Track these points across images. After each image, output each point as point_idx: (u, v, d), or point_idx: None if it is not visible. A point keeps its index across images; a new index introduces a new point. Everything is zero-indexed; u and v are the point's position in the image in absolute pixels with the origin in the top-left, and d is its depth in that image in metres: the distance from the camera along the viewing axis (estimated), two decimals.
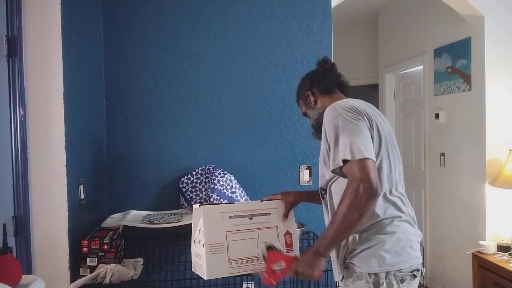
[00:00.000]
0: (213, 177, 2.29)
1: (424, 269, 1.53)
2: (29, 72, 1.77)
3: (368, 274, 1.36)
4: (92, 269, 1.90)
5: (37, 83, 1.79)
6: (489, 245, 2.82)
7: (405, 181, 4.25)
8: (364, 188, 1.25)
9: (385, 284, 1.35)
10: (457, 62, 3.29)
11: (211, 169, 2.36)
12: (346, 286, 1.43)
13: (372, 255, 1.37)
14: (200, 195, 2.33)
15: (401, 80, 4.44)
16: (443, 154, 3.56)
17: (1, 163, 1.69)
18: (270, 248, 1.64)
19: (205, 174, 2.38)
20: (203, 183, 2.36)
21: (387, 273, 1.36)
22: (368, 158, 1.29)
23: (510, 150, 2.85)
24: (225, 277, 1.76)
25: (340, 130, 1.35)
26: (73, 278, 1.86)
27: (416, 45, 3.93)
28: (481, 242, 2.88)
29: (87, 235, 1.99)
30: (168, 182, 2.47)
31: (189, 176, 2.41)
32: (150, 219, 2.24)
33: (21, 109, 1.74)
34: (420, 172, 4.00)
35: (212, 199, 2.22)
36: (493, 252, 2.80)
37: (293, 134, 2.55)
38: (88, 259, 1.92)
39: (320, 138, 1.57)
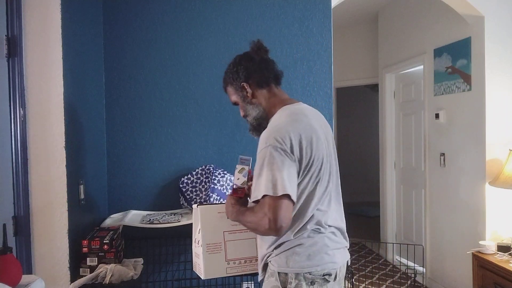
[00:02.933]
0: (213, 177, 2.29)
1: (424, 269, 1.53)
2: (29, 72, 1.77)
3: (278, 272, 1.42)
4: (92, 269, 1.90)
5: (37, 83, 1.79)
6: (489, 245, 2.82)
7: (406, 181, 4.23)
8: (268, 224, 1.32)
9: (293, 284, 1.40)
10: (457, 62, 3.30)
11: (211, 169, 2.36)
12: (264, 282, 1.51)
13: (284, 256, 1.43)
14: (200, 195, 2.33)
15: (401, 80, 4.44)
16: (443, 154, 3.56)
17: (1, 163, 1.69)
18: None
19: (205, 174, 2.39)
20: (203, 183, 2.36)
21: (297, 274, 1.40)
22: (285, 195, 1.32)
23: (510, 150, 2.85)
24: (225, 277, 1.76)
25: (266, 162, 1.36)
26: (73, 278, 1.86)
27: (416, 45, 3.93)
28: (481, 242, 2.88)
29: (87, 235, 1.99)
30: (168, 182, 2.48)
31: (189, 176, 2.41)
32: (150, 219, 2.24)
33: (21, 109, 1.74)
34: (420, 172, 4.00)
35: (212, 199, 2.22)
36: (493, 252, 2.80)
37: None
38: (88, 259, 1.92)
39: (258, 136, 1.54)
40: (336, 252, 1.47)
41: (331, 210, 1.49)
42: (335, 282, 1.45)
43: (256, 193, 1.38)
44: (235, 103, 1.63)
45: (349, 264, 1.61)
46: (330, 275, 1.43)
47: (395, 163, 4.54)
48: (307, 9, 2.57)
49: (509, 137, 2.99)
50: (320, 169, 1.44)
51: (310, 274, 1.40)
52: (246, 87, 1.56)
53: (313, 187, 1.44)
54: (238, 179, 1.61)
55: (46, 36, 1.80)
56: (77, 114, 2.02)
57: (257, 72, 1.55)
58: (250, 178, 1.61)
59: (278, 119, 1.49)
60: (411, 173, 4.25)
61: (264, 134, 1.44)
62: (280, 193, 1.32)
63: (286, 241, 1.44)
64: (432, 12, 3.65)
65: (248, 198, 1.62)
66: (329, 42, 2.58)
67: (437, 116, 3.59)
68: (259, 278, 1.57)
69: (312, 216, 1.44)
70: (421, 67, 3.90)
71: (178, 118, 2.50)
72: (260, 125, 1.56)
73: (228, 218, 1.62)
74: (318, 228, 1.44)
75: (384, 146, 4.64)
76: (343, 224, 1.54)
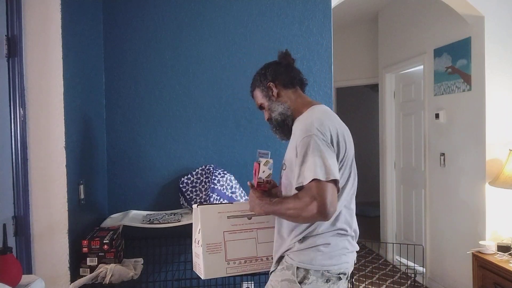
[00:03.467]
0: (213, 177, 2.29)
1: (424, 269, 1.56)
2: (29, 72, 1.77)
3: (297, 267, 1.44)
4: (92, 269, 1.90)
5: (37, 83, 1.79)
6: (489, 245, 2.82)
7: (406, 181, 4.25)
8: (317, 208, 1.32)
9: (310, 280, 1.43)
10: (457, 62, 3.30)
11: (211, 169, 2.36)
12: (274, 273, 1.52)
13: (307, 253, 1.46)
14: (200, 195, 2.33)
15: (401, 80, 4.44)
16: (443, 154, 3.56)
17: (1, 163, 1.69)
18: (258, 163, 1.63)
19: (205, 174, 2.39)
20: (203, 183, 2.36)
21: (316, 271, 1.44)
22: (334, 180, 1.35)
23: (510, 150, 2.85)
24: (225, 277, 1.76)
25: (310, 150, 1.39)
26: (73, 278, 1.86)
27: (416, 45, 3.93)
28: (481, 242, 2.88)
29: (87, 235, 1.99)
30: (168, 182, 2.48)
31: (189, 176, 2.41)
32: (150, 219, 2.24)
33: (21, 109, 1.74)
34: (420, 172, 4.00)
35: (212, 199, 2.22)
36: (493, 252, 2.80)
37: None
38: (88, 259, 1.92)
39: (282, 135, 1.61)
40: (351, 254, 1.53)
41: (354, 211, 1.55)
42: (345, 281, 1.52)
43: (301, 179, 1.39)
44: (261, 107, 1.67)
45: (354, 262, 1.64)
46: (344, 274, 1.49)
47: (395, 163, 4.54)
48: (307, 9, 2.57)
49: (509, 137, 2.99)
50: (351, 165, 1.52)
51: (328, 272, 1.45)
52: (272, 87, 1.62)
53: (344, 182, 1.49)
54: (263, 171, 1.59)
55: (46, 36, 1.80)
56: (77, 114, 2.02)
57: (283, 74, 1.62)
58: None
59: (312, 115, 1.51)
60: (411, 173, 4.24)
61: (302, 126, 1.47)
62: (331, 177, 1.34)
63: (311, 237, 1.46)
64: (432, 12, 3.65)
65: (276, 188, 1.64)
66: (329, 42, 2.59)
67: (437, 116, 3.59)
68: (271, 270, 1.58)
69: (340, 213, 1.48)
70: (421, 67, 3.90)
71: (178, 118, 2.49)
72: (284, 122, 1.59)
73: (255, 213, 1.61)
74: (345, 230, 1.49)
75: (384, 146, 4.64)
76: (355, 227, 1.58)
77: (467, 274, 3.11)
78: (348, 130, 1.57)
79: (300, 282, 1.43)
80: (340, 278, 1.47)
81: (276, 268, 1.53)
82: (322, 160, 1.36)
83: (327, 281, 1.44)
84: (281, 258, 1.53)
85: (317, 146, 1.38)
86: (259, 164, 1.60)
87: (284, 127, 1.60)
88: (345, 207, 1.50)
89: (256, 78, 1.68)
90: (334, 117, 1.55)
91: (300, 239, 1.47)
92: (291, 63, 1.67)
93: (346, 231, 1.50)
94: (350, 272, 1.55)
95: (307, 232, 1.46)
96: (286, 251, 1.50)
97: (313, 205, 1.32)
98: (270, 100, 1.63)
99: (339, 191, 1.43)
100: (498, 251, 2.80)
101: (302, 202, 1.36)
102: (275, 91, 1.61)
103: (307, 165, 1.37)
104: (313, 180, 1.34)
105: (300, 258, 1.46)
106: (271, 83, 1.62)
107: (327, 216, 1.34)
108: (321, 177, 1.34)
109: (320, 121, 1.45)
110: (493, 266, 2.67)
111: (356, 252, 1.60)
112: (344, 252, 1.49)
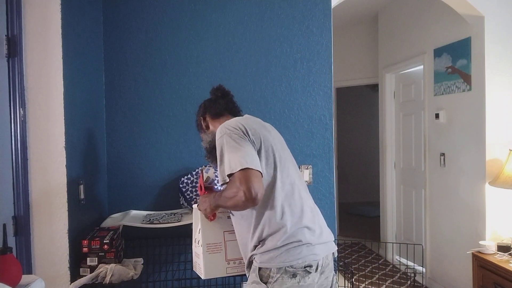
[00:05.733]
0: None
1: (424, 269, 1.55)
2: (29, 72, 1.78)
3: (260, 268, 1.49)
4: (92, 269, 1.90)
5: (37, 83, 1.80)
6: (489, 245, 2.82)
7: (406, 181, 4.22)
8: (244, 196, 1.41)
9: (275, 278, 1.45)
10: (457, 62, 3.30)
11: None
12: (248, 276, 1.58)
13: (267, 253, 1.49)
14: None
15: (401, 80, 4.44)
16: (443, 154, 3.56)
17: (1, 163, 1.69)
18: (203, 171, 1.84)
19: None
20: None
21: (279, 268, 1.46)
22: (249, 168, 1.43)
23: (510, 150, 2.85)
24: (225, 277, 1.76)
25: (224, 148, 1.50)
26: (73, 278, 1.86)
27: (416, 45, 3.93)
28: (481, 242, 2.88)
29: (87, 235, 1.99)
30: (168, 182, 2.48)
31: (189, 176, 2.41)
32: (150, 219, 2.24)
33: (21, 109, 1.74)
34: (420, 172, 4.00)
35: None
36: (493, 252, 2.80)
37: (293, 134, 2.56)
38: (88, 259, 1.92)
39: (213, 160, 1.71)
40: (316, 245, 1.52)
41: (304, 206, 1.56)
42: (317, 273, 1.50)
43: (222, 177, 1.51)
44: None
45: (335, 256, 1.65)
46: (311, 266, 1.48)
47: (395, 163, 4.54)
48: (307, 9, 2.57)
49: (509, 137, 2.99)
50: (274, 155, 1.57)
51: (292, 268, 1.46)
52: (202, 121, 1.84)
53: (272, 171, 1.54)
54: (208, 177, 1.79)
55: (46, 36, 1.80)
56: (77, 114, 2.02)
57: (212, 106, 1.82)
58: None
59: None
60: (411, 173, 4.25)
61: (218, 129, 1.59)
62: (245, 166, 1.42)
63: (267, 238, 1.49)
64: (432, 12, 3.65)
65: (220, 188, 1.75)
66: (329, 42, 2.59)
67: (437, 116, 3.59)
68: (247, 276, 1.60)
69: (283, 206, 1.51)
70: (421, 67, 3.90)
71: (178, 118, 2.50)
72: (213, 149, 1.67)
73: (206, 211, 1.69)
74: (296, 223, 1.51)
75: (384, 146, 4.64)
76: (317, 220, 1.60)
77: (467, 274, 3.11)
78: (268, 129, 1.67)
79: (265, 282, 1.46)
80: (308, 271, 1.47)
81: (249, 273, 1.57)
82: (236, 153, 1.46)
83: (293, 276, 1.45)
84: (250, 263, 1.56)
85: (228, 143, 1.49)
86: (202, 173, 1.82)
87: (212, 153, 1.68)
88: (286, 199, 1.53)
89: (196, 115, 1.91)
90: (250, 119, 1.68)
91: (258, 244, 1.51)
92: (219, 96, 1.84)
93: (298, 223, 1.51)
94: (324, 262, 1.53)
95: (265, 235, 1.50)
96: (252, 256, 1.54)
97: (240, 194, 1.42)
98: (202, 132, 1.85)
99: (263, 176, 1.49)
100: (498, 251, 2.80)
101: (231, 193, 1.46)
102: (204, 124, 1.83)
103: (225, 164, 1.48)
104: (231, 174, 1.45)
105: (261, 259, 1.49)
106: (201, 117, 1.84)
107: (255, 200, 1.41)
108: (238, 168, 1.43)
109: (230, 122, 1.59)
110: (493, 266, 2.67)
111: (334, 241, 1.63)
112: (305, 245, 1.49)
